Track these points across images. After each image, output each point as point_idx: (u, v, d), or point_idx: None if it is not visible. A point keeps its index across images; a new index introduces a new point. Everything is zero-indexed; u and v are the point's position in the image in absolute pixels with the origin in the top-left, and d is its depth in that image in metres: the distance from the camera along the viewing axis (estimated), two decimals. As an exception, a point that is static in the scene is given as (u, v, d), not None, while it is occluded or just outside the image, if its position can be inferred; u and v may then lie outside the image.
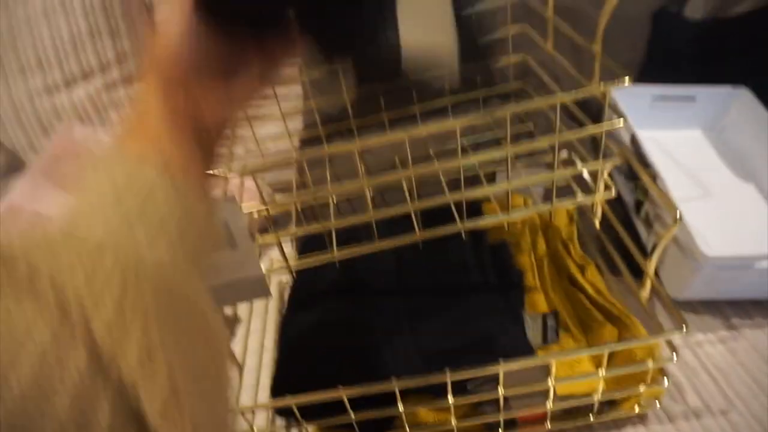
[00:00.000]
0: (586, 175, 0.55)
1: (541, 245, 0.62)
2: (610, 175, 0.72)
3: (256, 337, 0.60)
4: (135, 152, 0.29)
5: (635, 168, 0.53)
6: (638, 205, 0.65)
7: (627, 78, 0.45)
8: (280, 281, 0.66)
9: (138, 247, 0.24)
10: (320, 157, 0.61)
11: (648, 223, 0.63)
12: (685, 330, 0.43)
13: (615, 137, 0.72)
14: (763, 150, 0.69)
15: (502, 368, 0.43)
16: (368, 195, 0.47)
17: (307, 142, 0.78)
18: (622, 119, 0.49)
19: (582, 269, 0.59)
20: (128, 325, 0.20)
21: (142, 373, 0.19)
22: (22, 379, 0.17)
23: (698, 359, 0.56)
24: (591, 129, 0.49)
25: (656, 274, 0.61)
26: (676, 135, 0.77)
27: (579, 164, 0.52)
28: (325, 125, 0.74)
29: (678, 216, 0.45)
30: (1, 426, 0.16)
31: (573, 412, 0.49)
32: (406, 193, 0.47)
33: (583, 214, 0.64)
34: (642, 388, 0.47)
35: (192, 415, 0.20)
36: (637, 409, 0.49)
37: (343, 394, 0.43)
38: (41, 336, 0.17)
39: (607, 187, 0.53)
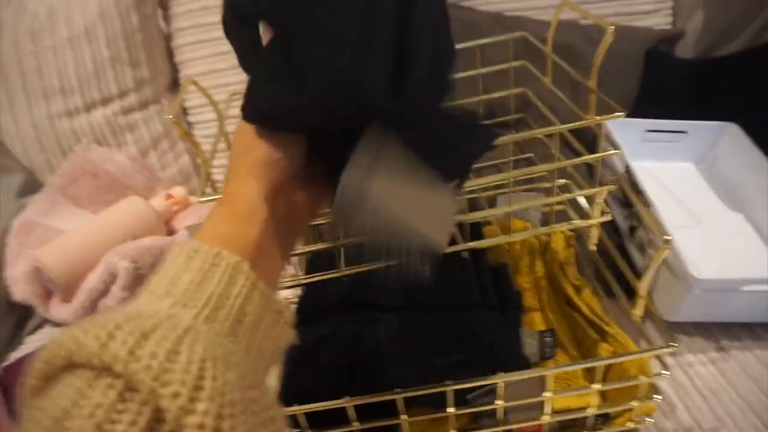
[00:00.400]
0: (582, 201, 0.58)
1: (540, 267, 0.65)
2: (605, 202, 0.75)
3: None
4: (223, 239, 0.30)
5: (629, 195, 0.56)
6: (632, 230, 0.68)
7: (621, 112, 0.49)
8: (285, 297, 0.68)
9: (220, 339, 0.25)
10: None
11: (641, 248, 0.66)
12: (674, 346, 0.45)
13: (610, 167, 0.75)
14: (751, 182, 0.73)
15: (500, 380, 0.45)
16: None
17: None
18: (617, 149, 0.52)
19: (578, 290, 0.61)
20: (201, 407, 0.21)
21: None
22: None
23: (689, 379, 0.58)
24: (587, 157, 0.52)
25: (649, 296, 0.64)
26: (669, 166, 0.81)
27: (576, 190, 0.55)
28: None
29: (667, 239, 0.48)
30: None
31: (568, 427, 0.51)
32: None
33: (579, 238, 0.67)
34: (635, 404, 0.49)
35: None
36: (630, 425, 0.51)
37: (348, 403, 0.45)
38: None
39: (603, 213, 0.56)
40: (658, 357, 0.49)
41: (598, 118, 0.50)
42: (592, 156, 0.51)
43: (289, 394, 0.49)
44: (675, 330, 0.64)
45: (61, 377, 0.21)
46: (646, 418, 0.52)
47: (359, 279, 0.59)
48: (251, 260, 0.29)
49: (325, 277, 0.55)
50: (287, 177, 0.34)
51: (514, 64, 0.70)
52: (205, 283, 0.26)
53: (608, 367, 0.54)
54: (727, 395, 0.56)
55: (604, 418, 0.51)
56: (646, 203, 0.64)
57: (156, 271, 0.28)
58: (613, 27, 0.50)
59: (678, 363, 0.60)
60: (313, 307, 0.59)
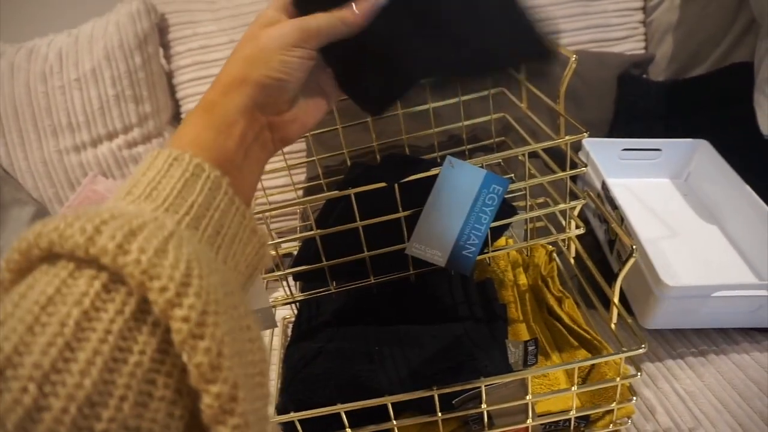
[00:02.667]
0: (560, 217, 0.62)
1: (523, 281, 0.68)
2: (585, 217, 0.79)
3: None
4: (197, 145, 0.31)
5: (600, 209, 0.60)
6: (611, 243, 0.72)
7: (585, 132, 0.53)
8: (284, 317, 0.72)
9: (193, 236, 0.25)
10: (321, 204, 0.68)
11: (620, 259, 0.69)
12: (643, 348, 0.48)
13: (589, 184, 0.79)
14: (723, 195, 0.77)
15: (482, 383, 0.48)
16: (362, 236, 0.54)
17: (310, 192, 0.85)
18: (584, 167, 0.56)
19: (560, 302, 0.65)
20: (184, 283, 0.21)
21: (194, 332, 0.21)
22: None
23: (668, 383, 0.61)
24: (557, 175, 0.56)
25: (628, 306, 0.67)
26: (646, 183, 0.85)
27: (552, 206, 0.59)
28: (327, 177, 0.82)
29: (633, 248, 0.51)
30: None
31: (553, 430, 0.54)
32: (405, 232, 0.54)
33: (562, 253, 0.71)
34: (614, 406, 0.52)
35: (235, 376, 0.22)
36: (611, 427, 0.54)
37: (341, 409, 0.48)
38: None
39: (577, 226, 0.60)
40: (632, 360, 0.52)
41: (567, 138, 0.54)
42: (561, 174, 0.55)
43: (286, 402, 0.51)
44: (655, 337, 0.67)
45: (40, 268, 0.22)
46: (628, 420, 0.55)
47: (350, 295, 0.63)
48: (224, 170, 0.30)
49: (318, 294, 0.59)
50: (275, 98, 0.35)
51: (493, 91, 0.75)
52: (185, 191, 0.27)
53: (589, 373, 0.57)
54: (704, 397, 0.58)
55: (586, 421, 0.54)
56: (621, 217, 0.68)
57: (133, 173, 0.28)
58: (575, 56, 0.54)
59: (658, 368, 0.63)
60: (307, 323, 0.63)
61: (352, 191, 0.51)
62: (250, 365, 0.24)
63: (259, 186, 0.83)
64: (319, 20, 0.37)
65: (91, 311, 0.20)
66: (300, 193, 0.86)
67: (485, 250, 0.59)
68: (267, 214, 0.73)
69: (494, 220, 0.53)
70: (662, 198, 0.82)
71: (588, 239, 0.78)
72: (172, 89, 1.00)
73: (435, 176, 0.52)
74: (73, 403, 0.19)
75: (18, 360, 0.19)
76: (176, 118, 1.01)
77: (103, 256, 0.21)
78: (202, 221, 0.27)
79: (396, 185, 0.51)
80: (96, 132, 0.92)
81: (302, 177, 0.89)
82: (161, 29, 0.97)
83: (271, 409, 0.51)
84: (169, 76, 0.99)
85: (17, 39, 0.95)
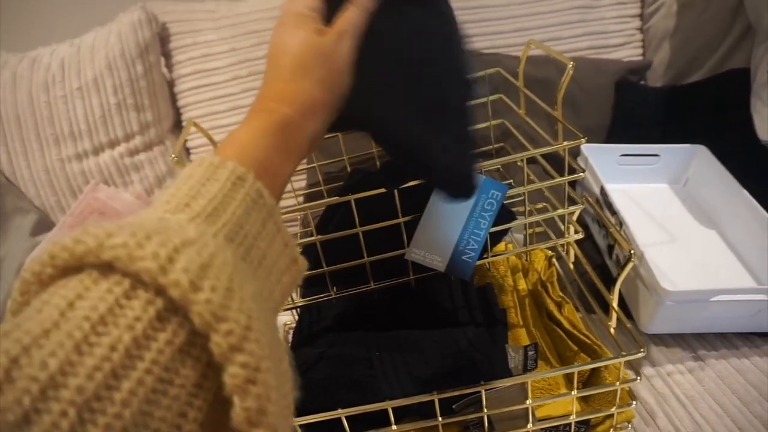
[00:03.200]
0: (559, 222, 0.62)
1: (523, 286, 0.69)
2: (584, 222, 0.79)
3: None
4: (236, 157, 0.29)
5: (599, 214, 0.60)
6: (610, 249, 0.72)
7: (583, 138, 0.54)
8: (285, 323, 0.72)
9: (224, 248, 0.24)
10: (322, 210, 0.68)
11: (619, 264, 0.70)
12: (642, 352, 0.48)
13: (588, 189, 0.80)
14: (722, 200, 0.77)
15: (482, 388, 0.48)
16: (362, 241, 0.54)
17: (311, 198, 0.86)
18: (582, 172, 0.57)
19: (560, 307, 0.65)
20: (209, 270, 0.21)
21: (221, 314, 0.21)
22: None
23: (668, 387, 0.61)
24: (556, 180, 0.57)
25: (628, 311, 0.67)
26: (645, 188, 0.85)
27: (551, 211, 0.59)
28: (327, 183, 0.83)
29: (632, 253, 0.51)
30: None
31: (552, 435, 0.54)
32: (404, 237, 0.54)
33: (561, 258, 0.71)
34: (614, 410, 0.52)
35: (277, 420, 0.21)
36: (611, 431, 0.54)
37: (342, 414, 0.48)
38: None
39: (576, 231, 0.61)
40: (631, 365, 0.52)
41: (565, 143, 0.55)
42: (559, 179, 0.55)
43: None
44: (654, 342, 0.67)
45: (89, 274, 0.21)
46: (628, 425, 0.55)
47: (350, 301, 0.63)
48: (276, 195, 0.29)
49: (318, 300, 0.59)
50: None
51: (492, 97, 0.76)
52: (244, 219, 0.26)
53: (589, 377, 0.57)
54: (705, 402, 0.58)
55: (586, 426, 0.54)
56: (619, 222, 0.68)
57: (187, 178, 0.27)
58: (572, 63, 0.55)
59: (657, 373, 0.63)
60: (308, 329, 0.63)
61: (352, 197, 0.51)
62: (285, 399, 0.24)
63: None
64: (355, 18, 0.37)
65: (142, 339, 0.20)
66: (301, 199, 0.87)
67: (485, 256, 0.59)
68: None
69: (493, 226, 0.54)
70: (661, 203, 0.83)
71: (587, 244, 0.78)
72: (173, 97, 1.00)
73: (434, 182, 0.52)
74: None
75: (62, 381, 0.18)
76: (177, 125, 1.02)
77: (173, 289, 0.20)
78: (251, 252, 0.26)
79: (395, 191, 0.52)
80: (98, 140, 0.93)
81: (303, 183, 0.90)
82: (162, 38, 0.98)
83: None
84: (171, 84, 1.00)
85: (20, 48, 0.96)
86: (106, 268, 0.21)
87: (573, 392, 0.50)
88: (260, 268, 0.27)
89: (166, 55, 0.99)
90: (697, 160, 0.82)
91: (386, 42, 0.41)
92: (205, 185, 0.26)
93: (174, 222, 0.24)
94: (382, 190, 0.51)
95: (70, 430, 0.17)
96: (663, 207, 0.82)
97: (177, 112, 1.01)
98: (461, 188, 0.45)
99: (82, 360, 0.18)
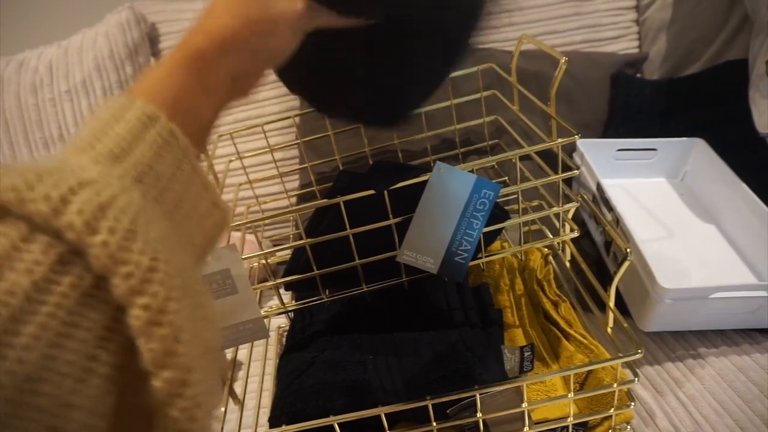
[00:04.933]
0: (554, 219, 0.61)
1: (519, 286, 0.68)
2: (581, 218, 0.78)
3: (255, 380, 0.64)
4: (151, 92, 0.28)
5: (594, 211, 0.59)
6: (607, 245, 0.71)
7: (576, 134, 0.52)
8: (279, 326, 0.71)
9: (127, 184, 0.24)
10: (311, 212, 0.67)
11: (616, 261, 0.68)
12: (639, 353, 0.47)
13: (584, 186, 0.79)
14: (720, 194, 0.76)
15: (476, 392, 0.47)
16: (353, 244, 0.53)
17: (303, 199, 0.85)
18: (577, 169, 0.56)
19: (556, 306, 0.64)
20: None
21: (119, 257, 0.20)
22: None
23: (668, 386, 0.60)
24: (550, 178, 0.55)
25: (626, 308, 0.66)
26: (642, 183, 0.84)
27: (546, 209, 0.58)
28: (320, 184, 0.81)
29: (627, 252, 0.50)
30: None
31: (550, 437, 0.53)
32: (396, 239, 0.53)
33: (558, 256, 0.70)
34: (612, 411, 0.51)
35: (189, 361, 0.21)
36: (610, 433, 0.53)
37: (334, 421, 0.47)
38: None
39: (572, 229, 0.59)
40: (629, 365, 0.51)
41: (559, 140, 0.54)
42: (553, 177, 0.54)
43: (279, 415, 0.51)
44: (653, 340, 0.66)
45: None
46: (627, 426, 0.54)
47: (343, 304, 0.62)
48: (196, 137, 0.28)
49: (310, 303, 0.58)
50: (264, 69, 0.34)
51: (485, 93, 0.75)
52: (154, 160, 0.25)
53: (586, 379, 0.56)
54: (705, 400, 0.57)
55: (584, 427, 0.53)
56: (616, 218, 0.67)
57: (97, 115, 0.26)
58: (565, 58, 0.54)
59: (657, 371, 0.62)
60: (301, 333, 0.62)
61: (341, 199, 0.50)
62: (204, 343, 0.23)
63: (252, 194, 0.82)
64: None
65: (43, 283, 0.19)
66: (293, 200, 0.85)
67: (479, 256, 0.58)
68: (260, 223, 0.73)
69: (487, 225, 0.52)
70: (659, 198, 0.81)
71: (585, 240, 0.77)
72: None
73: (425, 182, 0.51)
74: (11, 378, 0.18)
75: None
76: (169, 127, 1.00)
77: (68, 231, 0.19)
78: (165, 194, 0.25)
79: (385, 192, 0.51)
80: (88, 143, 0.92)
81: (295, 184, 0.89)
82: (152, 38, 0.97)
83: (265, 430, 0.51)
84: (161, 85, 0.99)
85: (6, 52, 0.94)
86: (2, 212, 0.19)
87: (570, 395, 0.49)
88: (177, 212, 0.26)
89: (156, 55, 0.98)
90: (695, 154, 0.81)
91: None
92: (113, 126, 0.25)
93: (74, 163, 0.23)
94: (372, 191, 0.50)
95: None
96: (661, 202, 0.81)
97: (168, 114, 1.00)
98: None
99: None
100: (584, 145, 0.80)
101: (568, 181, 0.81)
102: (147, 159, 0.25)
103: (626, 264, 0.51)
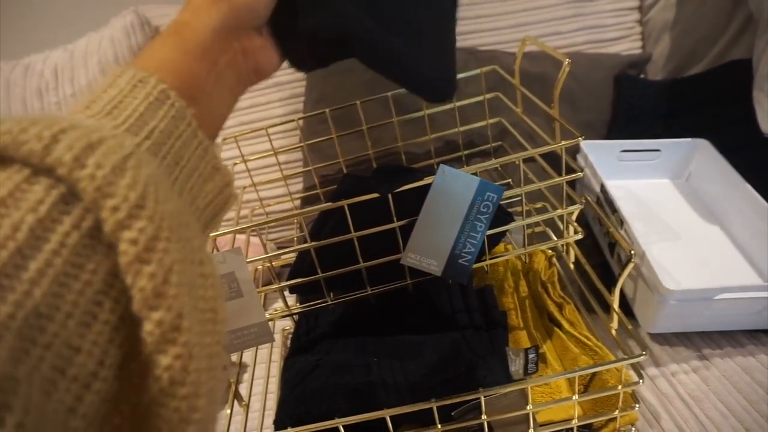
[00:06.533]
0: (558, 221, 0.61)
1: (523, 287, 0.68)
2: (585, 220, 0.78)
3: (260, 382, 0.65)
4: (164, 65, 0.29)
5: (597, 213, 0.59)
6: (611, 247, 0.71)
7: (580, 137, 0.53)
8: (283, 328, 0.71)
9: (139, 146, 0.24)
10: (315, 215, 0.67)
11: (621, 263, 0.68)
12: (644, 355, 0.47)
13: (588, 187, 0.79)
14: (725, 195, 0.76)
15: (481, 395, 0.47)
16: (357, 247, 0.53)
17: (307, 202, 0.85)
18: (582, 171, 0.56)
19: (560, 308, 0.64)
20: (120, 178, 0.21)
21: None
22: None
23: (673, 388, 0.60)
24: (553, 180, 0.55)
25: (630, 310, 0.66)
26: (646, 184, 0.84)
27: (550, 210, 0.58)
28: (324, 186, 0.82)
29: (632, 254, 0.50)
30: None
31: (555, 439, 0.53)
32: (400, 241, 0.53)
33: (562, 258, 0.70)
34: (617, 413, 0.51)
35: (180, 305, 0.21)
36: (615, 435, 0.53)
37: (339, 423, 0.47)
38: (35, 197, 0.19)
39: (576, 231, 0.59)
40: (634, 366, 0.51)
41: (563, 143, 0.54)
42: (557, 179, 0.54)
43: (284, 418, 0.51)
44: (658, 341, 0.66)
45: None
46: (632, 427, 0.54)
47: (348, 307, 0.62)
48: (192, 97, 0.29)
49: (315, 306, 0.59)
50: (248, 20, 0.34)
51: (488, 96, 0.75)
52: (147, 115, 0.26)
53: (590, 380, 0.56)
54: (710, 402, 0.57)
55: (589, 429, 0.53)
56: (620, 220, 0.67)
57: (93, 88, 0.27)
58: (568, 60, 0.54)
59: (661, 373, 0.62)
60: (305, 336, 0.62)
61: (345, 202, 0.50)
62: (200, 300, 0.23)
63: (256, 197, 0.83)
64: None
65: (47, 220, 0.19)
66: (297, 203, 0.86)
67: (483, 258, 0.58)
68: (264, 225, 0.73)
69: (490, 228, 0.53)
70: (663, 199, 0.81)
71: (589, 242, 0.77)
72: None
73: (429, 185, 0.51)
74: (20, 311, 0.18)
75: None
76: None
77: (59, 167, 0.20)
78: (161, 148, 0.26)
79: (389, 195, 0.51)
80: (93, 147, 0.92)
81: (299, 187, 0.89)
82: (156, 42, 0.97)
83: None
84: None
85: (12, 56, 0.95)
86: (6, 160, 0.20)
87: (574, 397, 0.50)
88: (175, 167, 0.26)
89: (160, 59, 0.98)
90: (699, 155, 0.81)
91: None
92: (104, 88, 0.26)
93: (67, 115, 0.24)
94: (376, 195, 0.50)
95: None
96: (665, 203, 0.80)
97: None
98: (439, 93, 0.44)
99: None
100: (587, 146, 0.80)
101: (571, 183, 0.81)
102: (138, 113, 0.25)
103: (630, 266, 0.51)
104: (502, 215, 0.56)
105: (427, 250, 0.53)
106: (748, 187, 0.70)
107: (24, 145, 0.20)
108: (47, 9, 1.07)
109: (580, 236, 0.58)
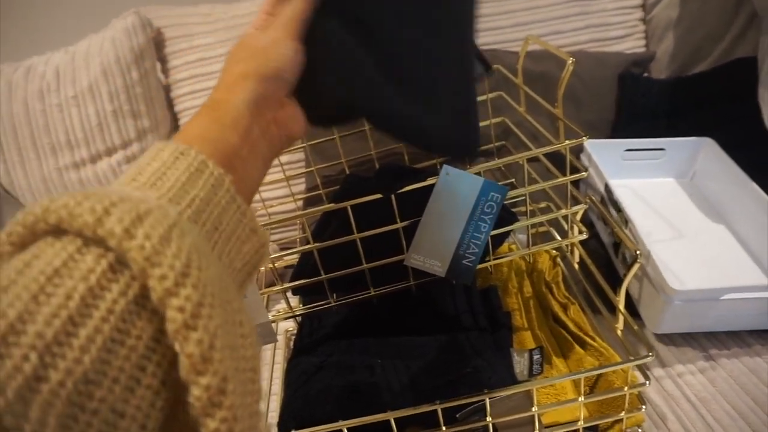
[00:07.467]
0: (562, 221, 0.61)
1: (528, 288, 0.67)
2: (589, 220, 0.78)
3: (264, 384, 0.64)
4: (202, 140, 0.31)
5: (602, 212, 0.59)
6: (616, 247, 0.70)
7: (584, 136, 0.52)
8: (287, 330, 0.71)
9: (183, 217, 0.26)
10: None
11: (626, 263, 0.68)
12: (650, 356, 0.47)
13: (592, 187, 0.78)
14: (730, 193, 0.75)
15: (486, 396, 0.47)
16: (360, 247, 0.53)
17: (310, 202, 0.84)
18: (586, 171, 0.55)
19: (565, 308, 0.63)
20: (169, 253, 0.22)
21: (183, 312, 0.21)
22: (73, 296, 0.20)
23: (679, 389, 0.59)
24: (557, 180, 0.55)
25: (635, 310, 0.66)
26: (651, 183, 0.83)
27: (554, 210, 0.58)
28: (326, 187, 0.81)
29: (637, 254, 0.50)
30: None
31: (560, 441, 0.52)
32: (403, 242, 0.53)
33: (566, 258, 0.70)
34: (623, 415, 0.51)
35: (225, 369, 0.22)
36: (621, 437, 0.52)
37: (343, 425, 0.47)
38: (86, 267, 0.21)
39: (580, 231, 0.59)
40: (640, 368, 0.50)
41: (567, 142, 0.53)
42: (561, 179, 0.54)
43: (287, 419, 0.51)
44: (664, 341, 0.65)
45: (45, 239, 0.22)
46: (638, 429, 0.54)
47: (351, 308, 0.62)
48: (229, 166, 0.31)
49: (318, 308, 0.58)
50: (276, 90, 0.36)
51: (491, 95, 0.74)
52: (189, 185, 0.27)
53: (596, 382, 0.55)
54: (717, 403, 0.57)
55: (595, 431, 0.53)
56: (625, 219, 0.66)
57: (138, 161, 0.29)
58: (572, 59, 0.53)
59: (668, 374, 0.61)
60: (309, 337, 0.62)
61: (348, 203, 0.50)
62: (241, 360, 0.24)
63: (258, 198, 0.82)
64: (291, 7, 0.38)
65: (96, 289, 0.21)
66: (300, 203, 0.85)
67: (486, 259, 0.58)
68: (267, 226, 0.73)
69: (494, 228, 0.52)
70: (668, 198, 0.81)
71: (593, 241, 0.76)
72: (170, 103, 0.99)
73: (432, 185, 0.51)
74: (70, 378, 0.19)
75: (21, 327, 0.19)
76: (175, 131, 1.01)
77: (110, 238, 0.21)
78: (201, 215, 0.27)
79: (392, 196, 0.50)
80: (95, 148, 0.92)
81: (302, 187, 0.89)
82: (157, 43, 0.97)
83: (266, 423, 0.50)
84: (167, 89, 0.99)
85: (14, 57, 0.95)
86: (60, 232, 0.22)
87: (580, 398, 0.49)
88: (215, 232, 0.28)
89: (162, 60, 0.98)
90: (704, 153, 0.80)
91: (348, 17, 0.40)
92: (147, 161, 0.28)
93: (116, 188, 0.26)
94: (378, 195, 0.50)
95: (33, 373, 0.18)
96: (670, 202, 0.80)
97: (174, 118, 1.00)
98: (460, 154, 0.44)
99: (39, 309, 0.19)
100: (591, 145, 0.80)
101: (575, 182, 0.80)
102: (180, 183, 0.27)
103: (636, 266, 0.51)
104: (506, 215, 0.56)
105: (431, 251, 0.52)
106: (754, 185, 0.70)
107: (78, 217, 0.22)
108: (48, 11, 1.07)
109: (584, 236, 0.58)
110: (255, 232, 0.31)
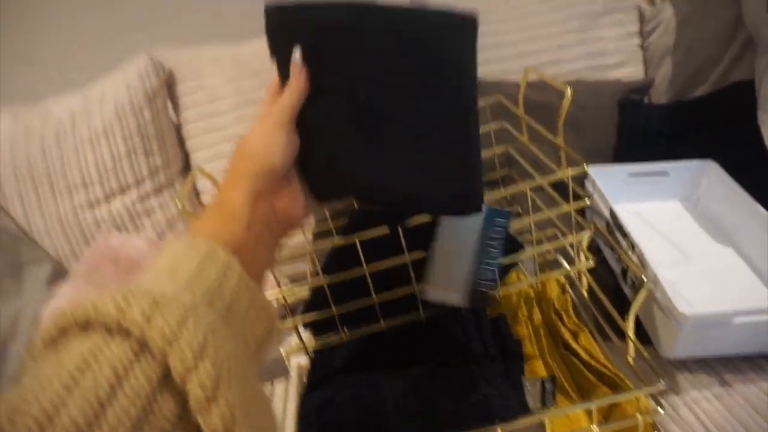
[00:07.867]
0: (569, 248, 0.62)
1: (537, 316, 0.67)
2: (596, 246, 0.78)
3: (277, 417, 0.64)
4: (211, 234, 0.36)
5: (607, 238, 0.59)
6: (624, 273, 0.71)
7: (583, 164, 0.53)
8: (299, 364, 0.71)
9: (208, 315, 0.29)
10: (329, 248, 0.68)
11: (634, 289, 0.68)
12: (660, 383, 0.47)
13: (597, 213, 0.79)
14: (736, 215, 0.76)
15: (499, 428, 0.47)
16: (369, 280, 0.54)
17: (319, 235, 0.85)
18: (588, 198, 0.56)
19: (575, 336, 0.63)
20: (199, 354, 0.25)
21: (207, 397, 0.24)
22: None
23: (695, 416, 0.58)
24: (561, 208, 0.56)
25: (647, 336, 0.66)
26: (656, 207, 0.84)
27: (560, 237, 0.59)
28: (335, 219, 0.82)
29: (644, 281, 0.50)
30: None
31: (575, 472, 0.52)
32: (411, 272, 0.54)
33: (574, 285, 0.70)
34: (637, 444, 0.50)
35: None
36: (636, 466, 0.52)
37: (357, 460, 0.47)
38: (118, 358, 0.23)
39: (587, 258, 0.59)
40: (653, 396, 0.50)
41: (569, 170, 0.54)
42: (565, 208, 0.55)
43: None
44: (677, 367, 0.65)
45: (73, 336, 0.25)
46: (654, 458, 0.53)
47: (362, 341, 0.62)
48: (238, 254, 0.34)
49: (329, 342, 0.59)
50: (272, 182, 0.41)
51: (494, 126, 0.76)
52: (202, 273, 0.31)
53: (609, 411, 0.55)
54: (732, 429, 0.56)
55: (610, 461, 0.52)
56: (631, 245, 0.67)
57: (156, 256, 0.32)
58: (570, 89, 0.55)
59: (683, 401, 0.61)
60: (320, 371, 0.62)
61: (356, 237, 0.51)
62: (257, 425, 0.26)
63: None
64: (283, 98, 0.42)
65: (123, 374, 0.23)
66: (309, 236, 0.86)
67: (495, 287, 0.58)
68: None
69: (502, 255, 0.53)
70: (673, 221, 0.81)
71: (602, 268, 0.76)
72: (181, 140, 1.02)
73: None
74: None
75: (55, 413, 0.21)
76: (186, 168, 1.03)
77: (132, 327, 0.24)
78: (215, 298, 0.30)
79: (399, 228, 0.51)
80: (109, 187, 0.94)
81: (310, 219, 0.90)
82: (169, 83, 1.00)
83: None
84: (178, 128, 1.02)
85: (25, 96, 0.98)
86: (89, 326, 0.25)
87: (593, 427, 0.49)
88: (228, 314, 0.31)
89: (173, 98, 1.01)
90: (708, 176, 0.81)
91: (341, 106, 0.42)
92: (161, 253, 0.33)
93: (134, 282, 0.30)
94: (385, 229, 0.51)
95: None
96: (676, 225, 0.80)
97: (185, 155, 1.02)
98: (461, 211, 0.45)
99: (71, 396, 0.21)
100: (595, 171, 0.80)
101: (581, 210, 0.81)
102: (193, 271, 0.31)
103: (643, 293, 0.51)
104: (513, 244, 0.57)
105: (446, 283, 0.53)
106: (759, 207, 0.70)
107: (103, 311, 0.24)
108: (59, 50, 1.11)
109: (591, 264, 0.58)
110: (265, 309, 0.34)
